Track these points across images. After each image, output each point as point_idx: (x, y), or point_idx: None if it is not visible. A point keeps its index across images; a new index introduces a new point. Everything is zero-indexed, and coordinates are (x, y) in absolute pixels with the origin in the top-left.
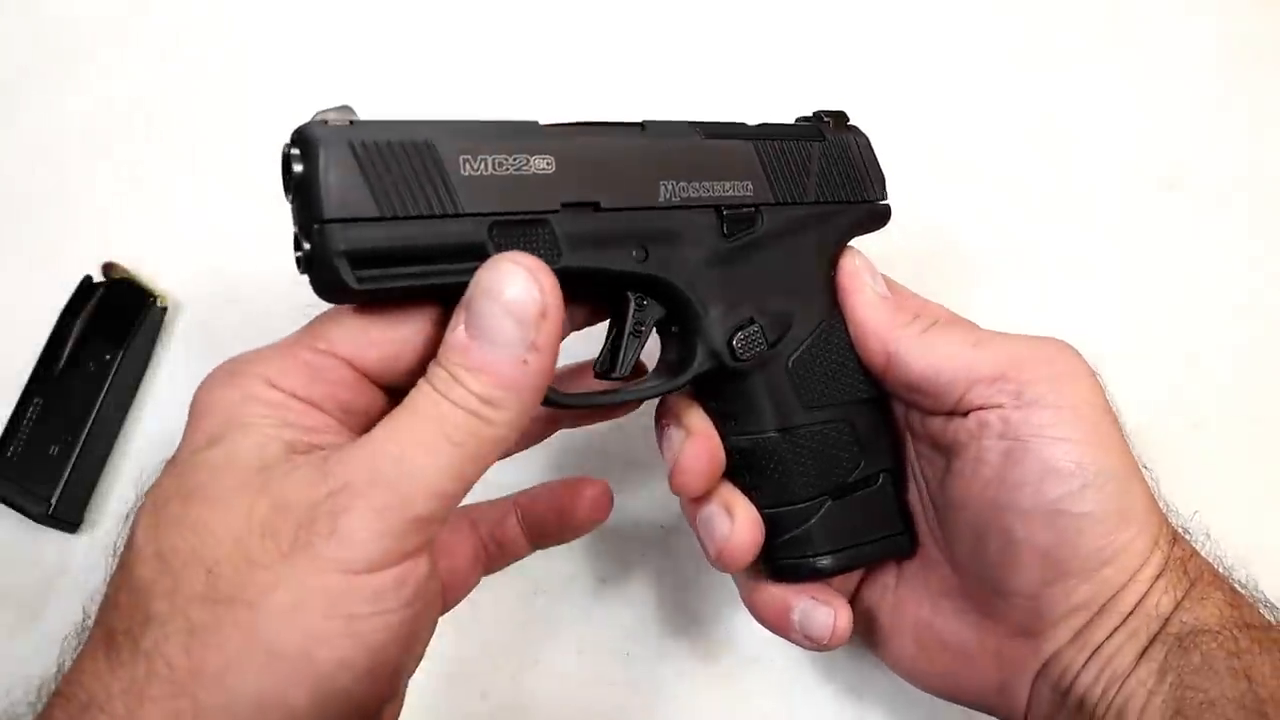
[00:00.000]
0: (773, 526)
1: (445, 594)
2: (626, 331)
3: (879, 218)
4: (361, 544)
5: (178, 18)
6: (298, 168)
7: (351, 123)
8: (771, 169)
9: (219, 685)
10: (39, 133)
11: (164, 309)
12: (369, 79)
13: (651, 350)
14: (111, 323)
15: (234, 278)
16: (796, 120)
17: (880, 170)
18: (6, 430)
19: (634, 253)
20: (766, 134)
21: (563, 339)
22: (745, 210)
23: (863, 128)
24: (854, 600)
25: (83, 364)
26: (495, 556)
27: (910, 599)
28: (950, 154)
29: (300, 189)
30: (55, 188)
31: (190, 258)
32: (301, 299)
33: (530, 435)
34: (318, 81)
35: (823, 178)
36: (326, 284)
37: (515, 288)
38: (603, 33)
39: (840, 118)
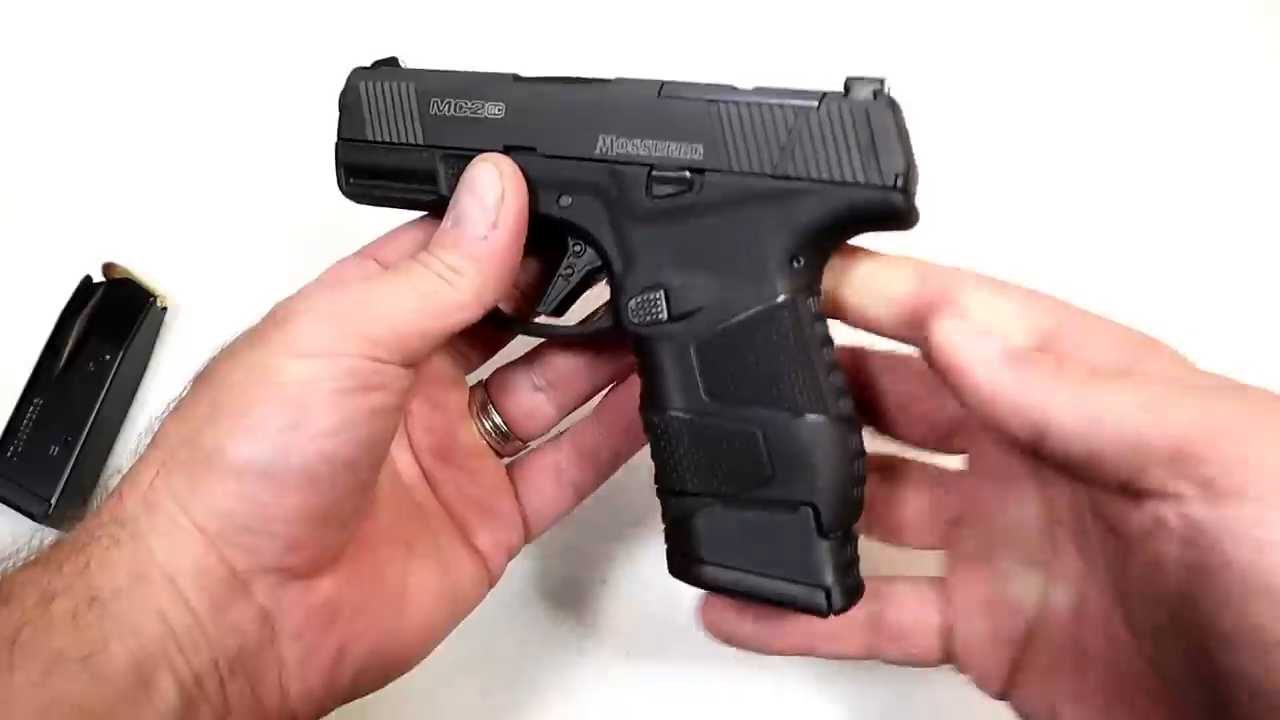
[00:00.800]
0: (664, 510)
1: (534, 521)
2: (557, 272)
3: (889, 213)
4: (301, 332)
5: (177, 18)
6: (339, 98)
7: (378, 66)
8: (728, 133)
9: (186, 437)
10: (39, 133)
11: (164, 309)
12: None
13: None
14: (111, 323)
15: (234, 278)
16: (846, 80)
17: (900, 153)
18: (6, 430)
19: (560, 199)
20: (746, 97)
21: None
22: (677, 174)
23: (906, 101)
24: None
25: (83, 364)
26: (582, 469)
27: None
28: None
29: (339, 111)
30: (55, 188)
31: (190, 258)
32: None
33: (484, 344)
34: (317, 81)
35: (799, 150)
36: (338, 182)
37: (483, 177)
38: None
39: (867, 83)
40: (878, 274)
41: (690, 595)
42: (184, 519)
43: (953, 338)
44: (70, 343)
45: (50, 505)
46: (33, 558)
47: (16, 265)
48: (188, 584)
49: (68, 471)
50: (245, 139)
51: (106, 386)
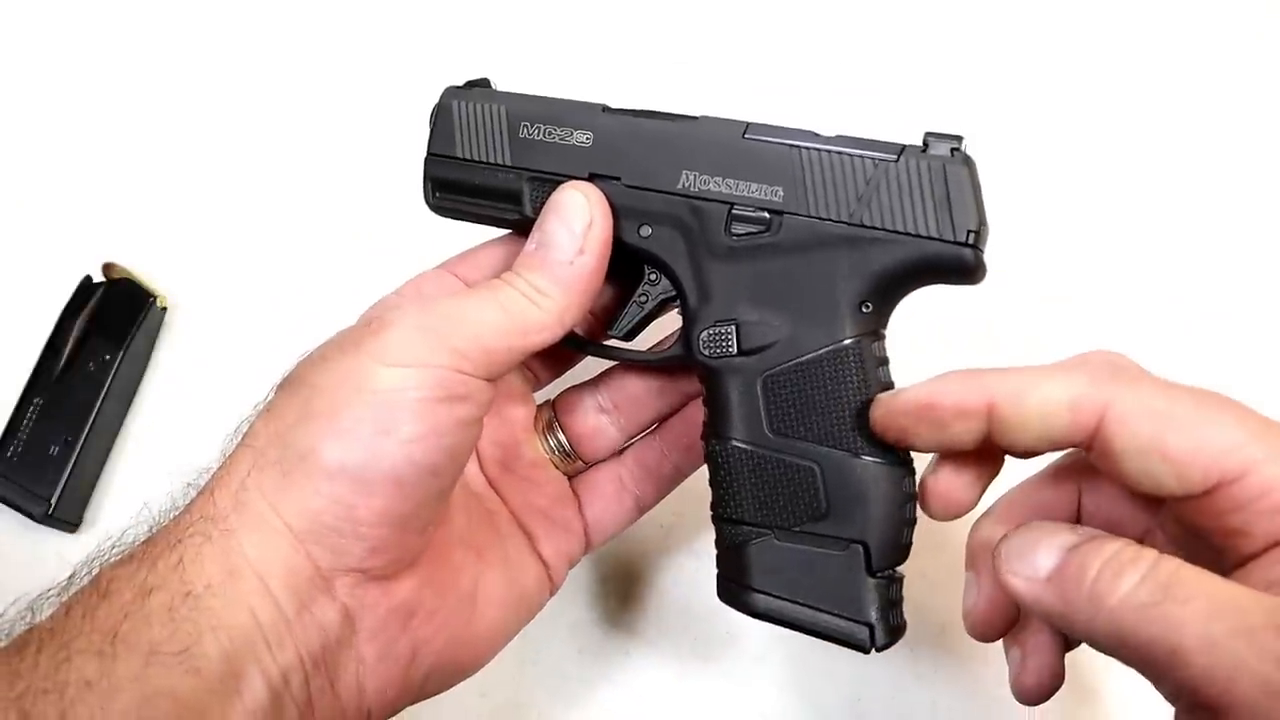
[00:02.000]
0: (718, 536)
1: (595, 532)
2: (632, 299)
3: (959, 267)
4: (393, 342)
5: (177, 19)
6: (432, 113)
7: (471, 86)
8: (809, 179)
9: (277, 437)
10: (39, 132)
11: (164, 309)
12: (371, 77)
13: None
14: (111, 323)
15: (234, 278)
16: (926, 135)
17: (974, 210)
18: (6, 430)
19: (640, 229)
20: (828, 144)
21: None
22: (757, 214)
23: (981, 159)
24: None
25: (83, 364)
26: (644, 484)
27: None
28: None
29: (430, 126)
30: (55, 188)
31: (190, 258)
32: (302, 302)
33: (554, 363)
34: (316, 82)
35: (876, 201)
36: (425, 195)
37: (572, 204)
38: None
39: (945, 140)
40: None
41: (690, 595)
42: (274, 517)
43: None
44: (70, 343)
45: (50, 505)
46: (127, 553)
47: (16, 265)
48: (276, 582)
49: (68, 471)
50: (245, 139)
51: (106, 386)
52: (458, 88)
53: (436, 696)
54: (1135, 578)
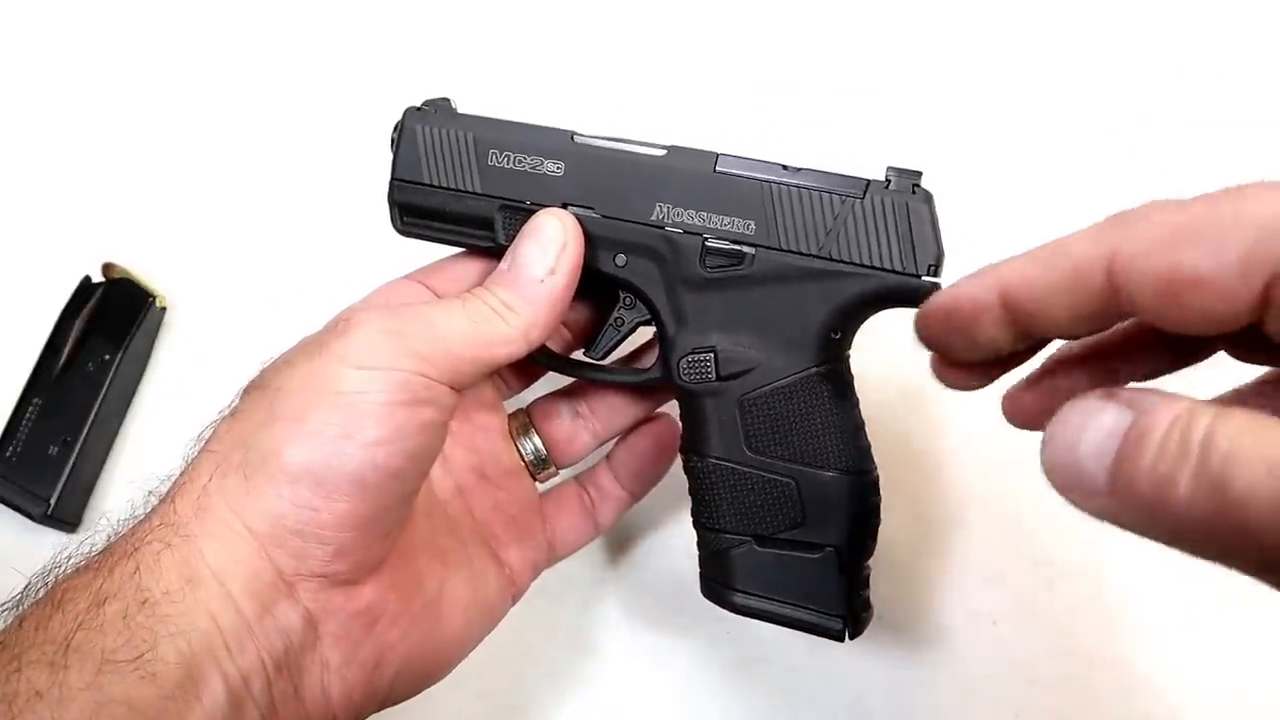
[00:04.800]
0: (700, 540)
1: (557, 545)
2: (608, 322)
3: (919, 296)
4: (357, 344)
5: (176, 19)
6: (393, 135)
7: (436, 111)
8: (779, 213)
9: (240, 440)
10: (39, 132)
11: (163, 309)
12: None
13: None
14: (111, 323)
15: (234, 278)
16: (888, 170)
17: (934, 244)
18: (6, 430)
19: (616, 258)
20: (796, 180)
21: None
22: (731, 247)
23: (938, 194)
24: None
25: (82, 364)
26: (600, 505)
27: None
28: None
29: (393, 150)
30: (55, 187)
31: (190, 258)
32: (301, 302)
33: (526, 373)
34: (314, 82)
35: (843, 236)
36: (391, 220)
37: (546, 226)
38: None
39: (907, 176)
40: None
41: (690, 595)
42: (236, 521)
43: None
44: (70, 343)
45: (50, 505)
46: (83, 563)
47: (16, 265)
48: (237, 586)
49: (67, 471)
50: (244, 140)
51: (106, 386)
52: (418, 109)
53: (436, 697)
54: (1187, 481)
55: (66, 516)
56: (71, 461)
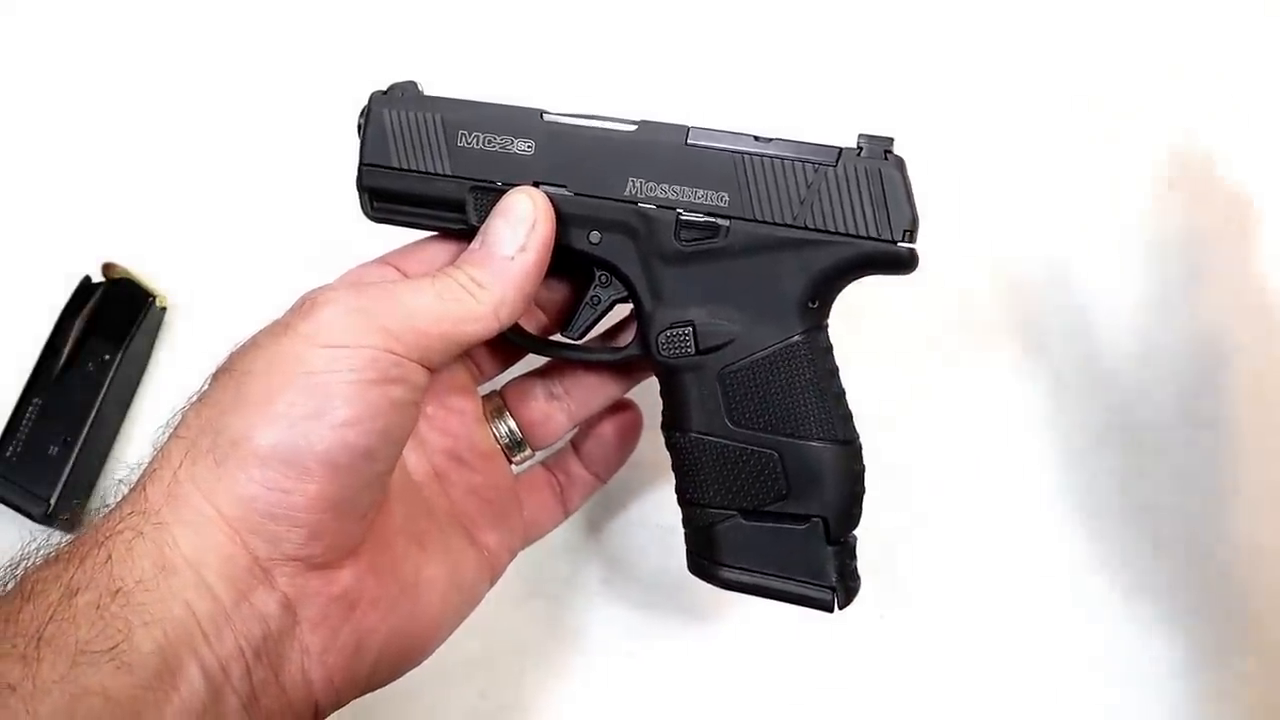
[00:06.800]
0: (685, 516)
1: (530, 527)
2: (584, 301)
3: (896, 262)
4: (325, 322)
5: (176, 20)
6: (360, 121)
7: (402, 94)
8: (753, 185)
9: (209, 425)
10: (39, 132)
11: (163, 309)
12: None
13: None
14: (111, 323)
15: (234, 278)
16: (859, 138)
17: (908, 210)
18: (6, 430)
19: (590, 235)
20: (768, 150)
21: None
22: (705, 220)
23: (911, 159)
24: None
25: (82, 364)
26: (569, 489)
27: None
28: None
29: (360, 136)
30: (55, 188)
31: (190, 258)
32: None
33: (501, 356)
34: (314, 82)
35: (818, 204)
36: (362, 206)
37: (517, 204)
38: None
39: (879, 143)
40: None
41: (690, 595)
42: (208, 507)
43: None
44: (70, 343)
45: (49, 505)
46: (53, 554)
47: (16, 265)
48: (211, 573)
49: (67, 471)
50: (244, 140)
51: (105, 386)
52: (383, 93)
53: (436, 697)
54: None
55: (67, 516)
56: (72, 461)
